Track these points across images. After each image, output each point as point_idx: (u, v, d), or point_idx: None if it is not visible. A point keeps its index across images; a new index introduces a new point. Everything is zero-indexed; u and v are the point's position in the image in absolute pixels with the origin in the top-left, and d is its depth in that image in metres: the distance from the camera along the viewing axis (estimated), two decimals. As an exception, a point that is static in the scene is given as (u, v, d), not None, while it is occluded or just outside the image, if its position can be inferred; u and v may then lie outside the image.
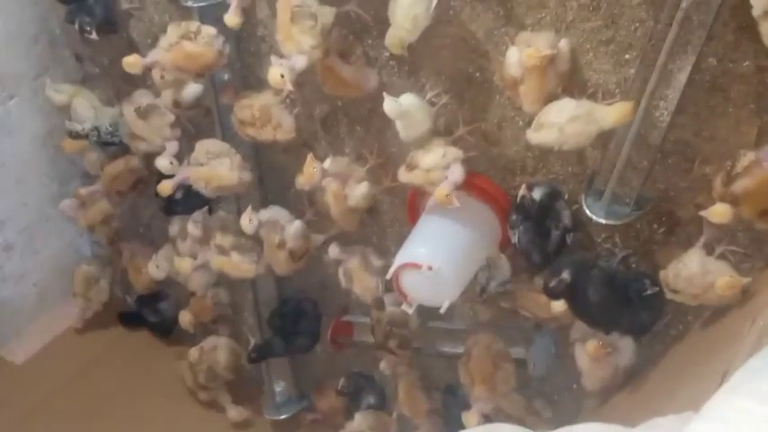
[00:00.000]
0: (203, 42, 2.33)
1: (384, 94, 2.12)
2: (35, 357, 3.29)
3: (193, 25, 2.35)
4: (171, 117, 2.64)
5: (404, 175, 2.26)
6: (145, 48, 2.66)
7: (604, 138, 2.04)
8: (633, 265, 2.26)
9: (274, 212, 2.60)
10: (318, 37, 2.15)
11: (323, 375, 3.08)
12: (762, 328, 1.66)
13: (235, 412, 3.07)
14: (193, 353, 3.02)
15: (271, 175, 2.77)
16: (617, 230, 2.25)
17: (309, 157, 2.33)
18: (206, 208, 2.77)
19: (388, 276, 2.26)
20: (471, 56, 2.21)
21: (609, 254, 2.28)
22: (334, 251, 2.59)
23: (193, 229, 2.73)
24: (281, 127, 2.43)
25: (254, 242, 2.67)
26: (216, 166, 2.52)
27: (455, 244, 2.29)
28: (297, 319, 2.84)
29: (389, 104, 2.12)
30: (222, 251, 2.70)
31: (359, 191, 2.38)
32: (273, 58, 2.21)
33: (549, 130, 2.00)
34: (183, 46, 2.33)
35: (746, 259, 2.05)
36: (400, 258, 2.25)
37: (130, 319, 3.38)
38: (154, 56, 2.39)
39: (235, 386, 3.14)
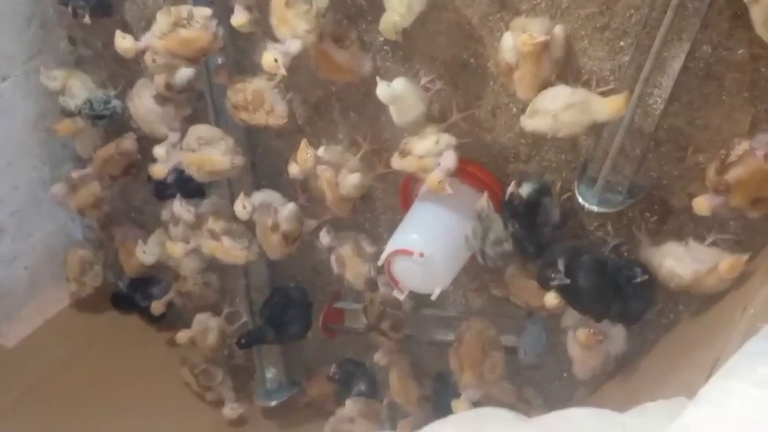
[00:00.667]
0: (198, 26, 2.31)
1: (377, 78, 2.11)
2: (26, 341, 3.28)
3: (184, 10, 2.31)
4: (187, 110, 2.66)
5: (397, 162, 2.25)
6: (139, 31, 2.64)
7: (598, 126, 2.04)
8: (625, 254, 2.26)
9: (267, 195, 2.60)
10: (313, 21, 2.14)
11: (314, 362, 3.08)
12: (753, 315, 1.67)
13: (230, 410, 3.06)
14: (182, 336, 3.01)
15: (264, 160, 2.76)
16: (609, 219, 2.25)
17: (303, 142, 2.33)
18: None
19: (380, 263, 2.27)
20: (466, 41, 2.20)
21: (601, 242, 2.28)
22: (325, 238, 2.58)
23: (186, 213, 2.72)
24: (274, 112, 2.42)
25: (246, 227, 2.67)
26: (208, 152, 2.52)
27: (447, 231, 2.29)
28: (287, 308, 2.83)
29: (382, 89, 2.11)
30: (214, 236, 2.70)
31: (350, 181, 2.38)
32: (268, 43, 2.20)
33: (544, 117, 2.00)
34: (177, 32, 2.30)
35: (737, 248, 2.05)
36: (392, 245, 2.25)
37: (123, 301, 3.37)
38: (147, 41, 2.37)
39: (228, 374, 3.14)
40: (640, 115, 2.01)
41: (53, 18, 3.00)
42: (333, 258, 2.59)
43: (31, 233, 3.30)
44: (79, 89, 2.83)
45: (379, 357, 2.74)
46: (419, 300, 2.55)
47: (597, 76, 2.06)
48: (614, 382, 2.31)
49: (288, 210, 2.55)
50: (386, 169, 2.42)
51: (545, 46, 1.97)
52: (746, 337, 1.45)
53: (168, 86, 2.57)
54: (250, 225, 2.63)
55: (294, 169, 2.38)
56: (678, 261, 2.06)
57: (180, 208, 2.71)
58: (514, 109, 2.23)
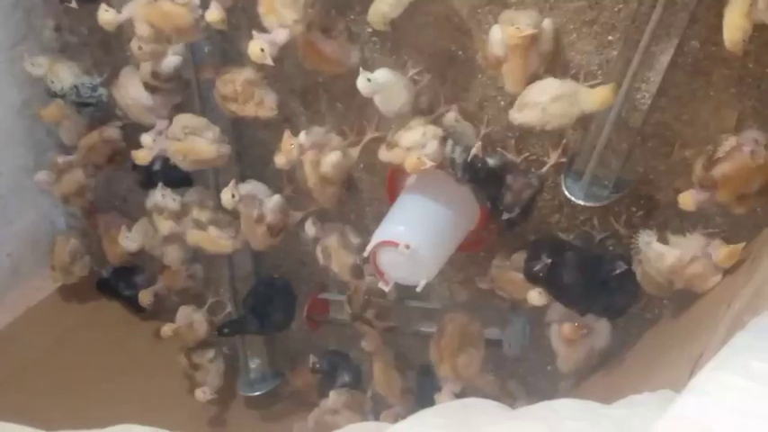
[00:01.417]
0: (181, 3, 2.30)
1: (360, 69, 2.11)
2: (8, 328, 3.25)
3: None
4: (178, 98, 2.63)
5: (384, 154, 2.25)
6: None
7: (585, 119, 2.04)
8: (611, 248, 2.26)
9: (253, 187, 2.59)
10: (301, 11, 2.13)
11: (298, 353, 3.07)
12: (737, 311, 1.67)
13: (201, 393, 3.04)
14: (166, 330, 2.99)
15: (249, 150, 2.74)
16: (595, 213, 2.25)
17: (286, 133, 2.32)
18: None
19: (366, 254, 2.26)
20: (454, 34, 2.20)
21: (587, 236, 2.28)
22: (311, 229, 2.57)
23: (171, 203, 2.70)
24: (264, 104, 2.41)
25: (232, 217, 2.65)
26: (194, 140, 2.50)
27: (433, 223, 2.29)
28: (271, 298, 2.82)
29: (362, 82, 2.10)
30: (200, 226, 2.68)
31: (330, 158, 2.35)
32: (254, 32, 2.19)
33: (532, 110, 2.00)
34: (159, 4, 2.29)
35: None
36: (378, 236, 2.24)
37: (108, 287, 3.35)
38: (129, 11, 2.34)
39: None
40: (628, 110, 2.01)
41: (38, 4, 2.97)
42: (318, 249, 2.58)
43: (14, 220, 3.27)
44: (66, 74, 2.81)
45: (365, 344, 2.74)
46: (404, 291, 2.55)
47: (585, 70, 2.06)
48: (598, 375, 2.31)
49: (273, 201, 2.54)
50: (357, 138, 2.41)
51: (533, 39, 1.97)
52: (730, 333, 1.46)
53: (154, 75, 2.54)
54: (235, 215, 2.62)
55: (280, 160, 2.37)
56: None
57: (163, 198, 2.69)
58: (502, 102, 2.22)
